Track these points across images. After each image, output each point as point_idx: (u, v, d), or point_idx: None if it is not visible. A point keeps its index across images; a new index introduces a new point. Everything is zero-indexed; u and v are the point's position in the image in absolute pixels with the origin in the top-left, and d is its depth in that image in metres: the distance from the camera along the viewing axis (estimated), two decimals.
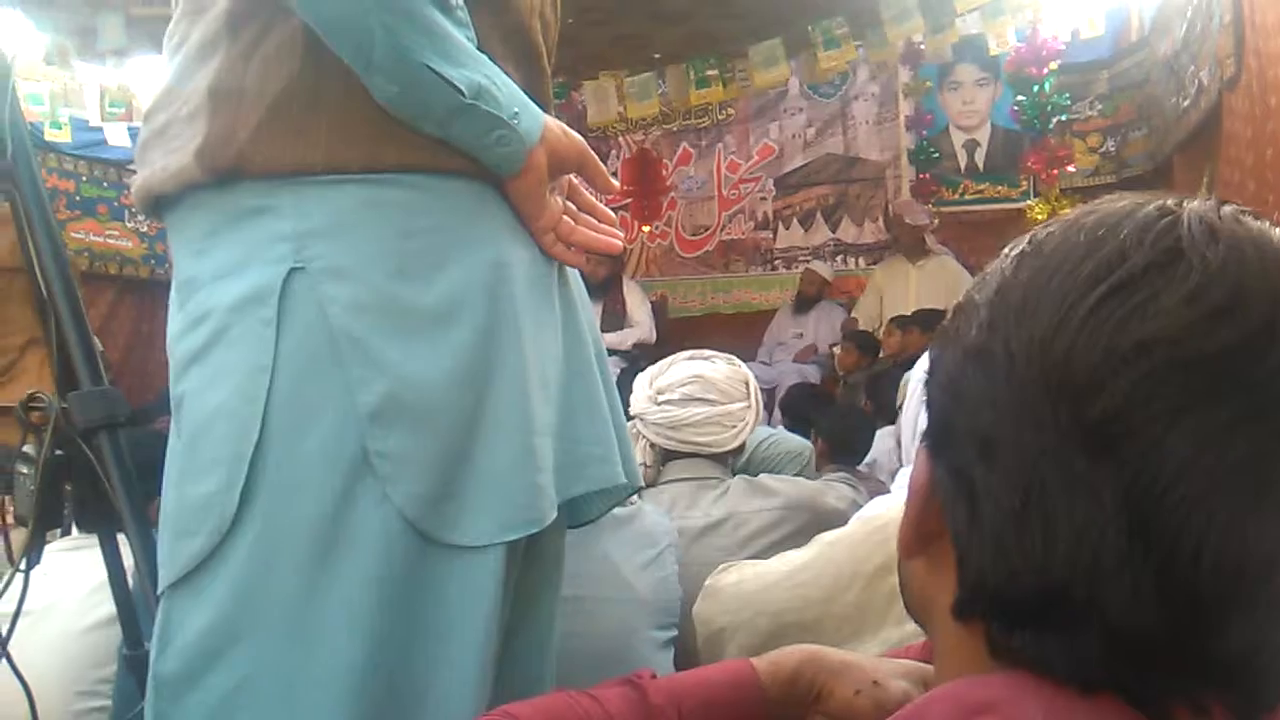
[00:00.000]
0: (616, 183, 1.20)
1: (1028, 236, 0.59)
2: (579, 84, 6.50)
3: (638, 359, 5.96)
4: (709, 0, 5.24)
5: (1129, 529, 0.50)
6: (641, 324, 6.18)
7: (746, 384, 2.13)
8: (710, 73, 5.94)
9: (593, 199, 1.20)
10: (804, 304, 6.77)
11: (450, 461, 1.01)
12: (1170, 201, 0.54)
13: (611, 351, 5.93)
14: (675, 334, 7.01)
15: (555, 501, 1.08)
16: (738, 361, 2.19)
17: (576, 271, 1.27)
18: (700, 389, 2.05)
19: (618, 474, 1.18)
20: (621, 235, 1.18)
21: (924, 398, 0.62)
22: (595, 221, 1.18)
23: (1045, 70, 5.18)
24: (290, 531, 0.97)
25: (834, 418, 3.62)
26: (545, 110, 1.12)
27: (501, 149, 1.02)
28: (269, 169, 0.98)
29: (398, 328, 0.99)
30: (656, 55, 6.16)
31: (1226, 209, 0.53)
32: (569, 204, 1.15)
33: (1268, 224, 0.53)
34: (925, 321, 5.30)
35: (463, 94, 0.97)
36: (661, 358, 6.50)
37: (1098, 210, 0.56)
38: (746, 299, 7.63)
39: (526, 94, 1.08)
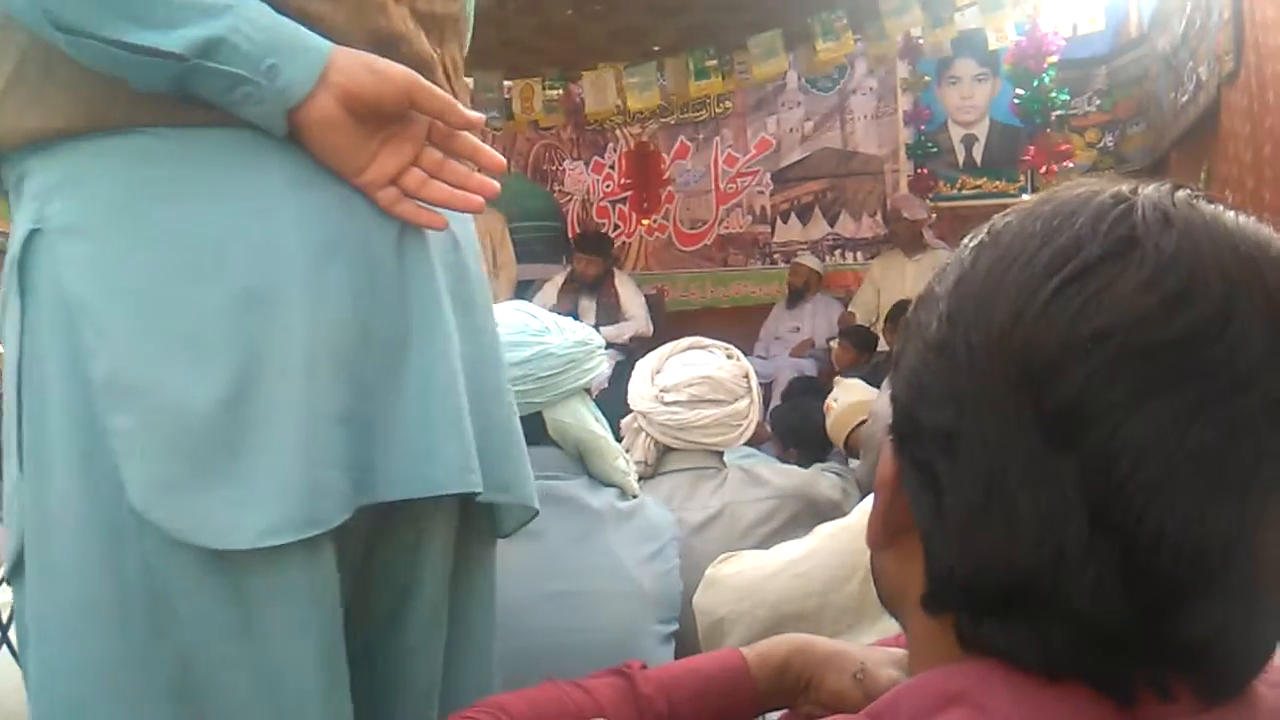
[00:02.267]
0: (495, 160, 0.99)
1: (986, 226, 0.59)
2: (578, 76, 6.49)
3: (634, 352, 5.95)
4: None
5: (1091, 518, 0.50)
6: (637, 317, 6.18)
7: (747, 378, 2.12)
8: (710, 63, 5.93)
9: (476, 143, 1.02)
10: (795, 296, 6.78)
11: (195, 445, 0.88)
12: (1125, 188, 0.54)
13: (609, 344, 5.95)
14: (673, 327, 6.98)
15: (350, 501, 0.94)
16: (736, 351, 2.18)
17: (470, 247, 1.14)
18: (709, 390, 2.04)
19: (470, 481, 1.00)
20: (497, 186, 1.02)
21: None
22: (465, 171, 1.01)
23: (1045, 65, 5.17)
24: (52, 528, 0.90)
25: (787, 414, 3.64)
26: (395, 46, 1.00)
27: (253, 107, 0.90)
28: (18, 139, 0.93)
29: (128, 289, 0.90)
30: (656, 47, 6.15)
31: (1180, 194, 0.53)
32: (431, 152, 0.99)
33: (1220, 208, 0.53)
34: None
35: (180, 56, 0.86)
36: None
37: (1054, 199, 0.56)
38: (745, 293, 7.63)
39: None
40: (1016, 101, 5.57)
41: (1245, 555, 0.50)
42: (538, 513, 1.18)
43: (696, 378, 2.06)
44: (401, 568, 1.07)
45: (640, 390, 2.10)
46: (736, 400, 2.06)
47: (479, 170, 1.03)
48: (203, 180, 0.93)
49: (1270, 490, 0.49)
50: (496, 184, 1.02)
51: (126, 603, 0.89)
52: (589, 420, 1.69)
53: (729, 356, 2.15)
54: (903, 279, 6.26)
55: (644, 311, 6.23)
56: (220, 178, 0.93)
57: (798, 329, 6.74)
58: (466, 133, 1.00)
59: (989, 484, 0.52)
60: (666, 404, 2.04)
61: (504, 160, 1.06)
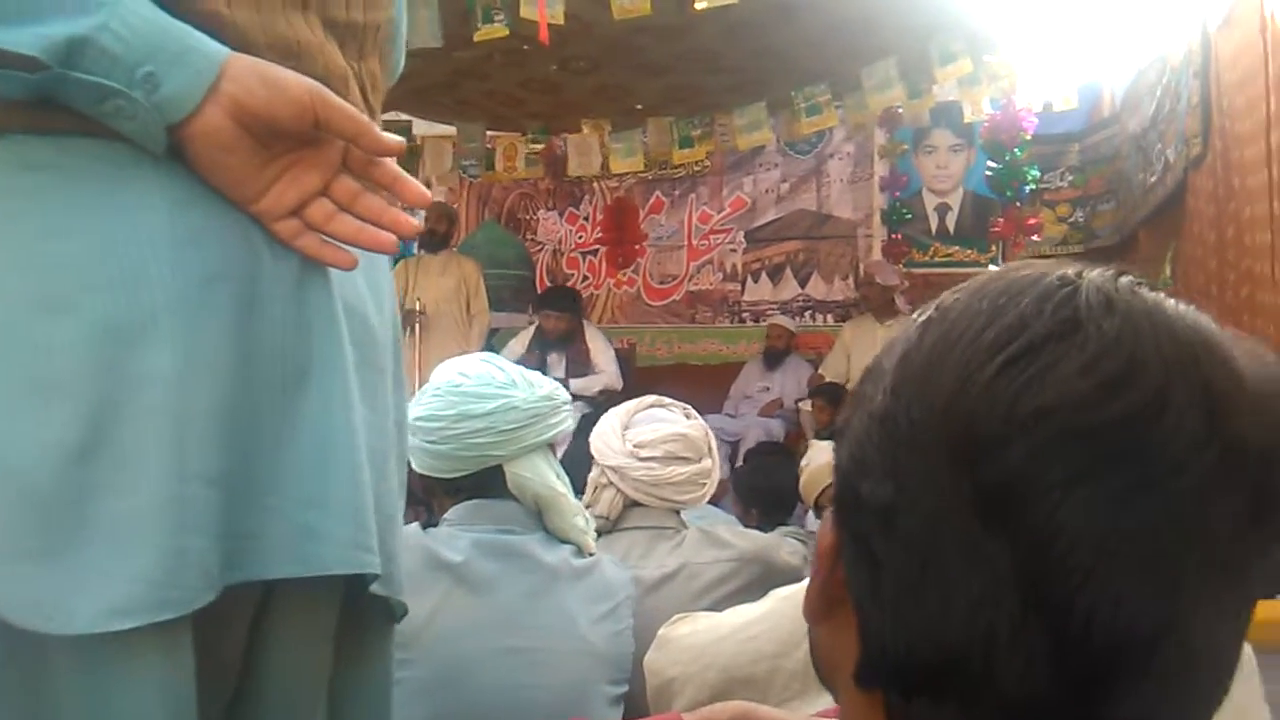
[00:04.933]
0: (423, 192, 0.87)
1: (935, 302, 0.59)
2: (560, 129, 6.54)
3: (601, 406, 5.94)
4: (693, 55, 5.30)
5: (1024, 600, 0.50)
6: (607, 371, 6.17)
7: (708, 436, 2.13)
8: (694, 133, 6.00)
9: (398, 173, 0.89)
10: (773, 358, 6.79)
11: (35, 509, 0.75)
12: (1071, 272, 0.54)
13: (576, 397, 5.94)
14: (643, 383, 7.00)
15: (217, 579, 0.80)
16: (692, 411, 2.20)
17: (384, 302, 1.01)
18: (682, 447, 2.05)
19: (365, 561, 0.87)
20: (416, 223, 0.87)
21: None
22: (381, 205, 0.88)
23: (1018, 140, 5.27)
24: None
25: (750, 474, 3.63)
26: (302, 57, 0.88)
27: (127, 123, 0.77)
28: None
29: None
30: (639, 106, 6.21)
31: (1123, 280, 0.53)
32: (346, 181, 0.87)
33: (1161, 295, 0.54)
34: None
35: (34, 61, 0.73)
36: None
37: (1002, 278, 0.56)
38: (713, 350, 7.66)
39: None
40: (989, 174, 5.65)
41: (1177, 640, 0.50)
42: (405, 612, 1.03)
43: (671, 435, 2.06)
44: (271, 651, 0.93)
45: (611, 445, 2.10)
46: (702, 459, 2.07)
47: (400, 205, 0.91)
48: (71, 196, 0.80)
49: (1203, 575, 0.50)
50: (416, 221, 0.87)
51: None
52: (549, 476, 1.68)
53: (687, 416, 2.16)
54: (874, 344, 6.29)
55: (614, 366, 6.22)
56: (91, 194, 0.80)
57: (767, 389, 6.75)
58: (388, 161, 0.89)
59: (924, 561, 0.52)
60: (642, 460, 2.04)
61: (428, 194, 0.94)
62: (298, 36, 0.89)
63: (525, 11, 4.03)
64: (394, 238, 0.88)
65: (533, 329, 6.33)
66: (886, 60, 5.05)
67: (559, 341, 6.15)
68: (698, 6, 3.93)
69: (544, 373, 5.85)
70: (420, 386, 1.79)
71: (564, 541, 1.71)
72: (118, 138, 0.79)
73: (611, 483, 2.07)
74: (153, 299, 0.79)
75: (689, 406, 2.22)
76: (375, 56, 1.01)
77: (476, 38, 4.22)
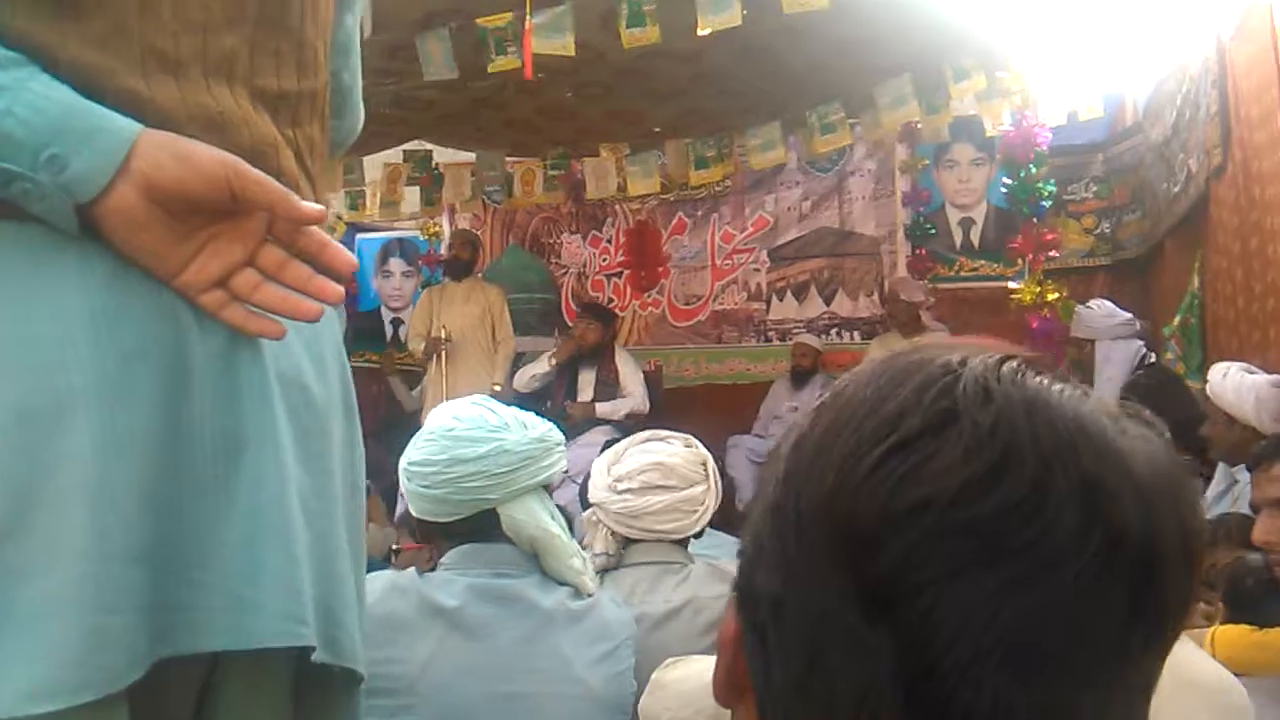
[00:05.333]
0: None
1: (836, 383, 0.59)
2: (581, 157, 6.57)
3: (630, 430, 5.93)
4: (706, 78, 5.31)
5: (905, 695, 0.49)
6: (634, 394, 6.16)
7: (705, 465, 2.12)
8: (709, 154, 6.02)
9: (324, 240, 0.88)
10: (800, 377, 6.75)
11: None
12: (956, 359, 0.53)
13: (603, 421, 5.95)
14: (670, 404, 7.00)
15: (145, 655, 0.81)
16: (695, 441, 2.19)
17: (326, 365, 1.01)
18: (660, 476, 2.05)
19: (297, 634, 0.87)
20: (340, 291, 0.89)
21: None
22: (307, 274, 0.88)
23: (1032, 155, 5.22)
24: None
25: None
26: (226, 130, 0.88)
27: (36, 204, 0.78)
28: None
29: None
30: (656, 129, 6.23)
31: (1007, 368, 0.53)
32: (271, 250, 0.87)
33: (1046, 381, 0.53)
34: None
35: None
36: (657, 428, 6.41)
37: (892, 363, 0.56)
38: (739, 369, 7.63)
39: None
40: (1006, 190, 5.62)
41: None
42: (362, 678, 1.02)
43: (648, 465, 2.06)
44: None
45: (596, 482, 2.11)
46: (691, 486, 2.06)
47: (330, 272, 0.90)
48: None
49: (1088, 668, 0.49)
50: (339, 289, 0.89)
51: None
52: (544, 518, 1.69)
53: (686, 445, 2.15)
54: None
55: (642, 389, 6.21)
56: (7, 277, 0.81)
57: (796, 408, 6.72)
58: (314, 228, 0.88)
59: (811, 654, 0.52)
60: (619, 492, 2.05)
61: (355, 260, 0.94)
62: (221, 108, 0.90)
63: (537, 46, 4.06)
64: (320, 307, 0.88)
65: (547, 356, 6.27)
66: (900, 78, 5.03)
67: (591, 355, 6.14)
68: (700, 32, 3.93)
69: (573, 396, 5.86)
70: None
71: (561, 583, 1.71)
72: (35, 219, 0.80)
73: (599, 520, 2.07)
74: (69, 381, 0.80)
75: (690, 437, 2.21)
76: (314, 122, 1.02)
77: (491, 69, 4.26)
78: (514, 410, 1.76)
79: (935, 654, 0.48)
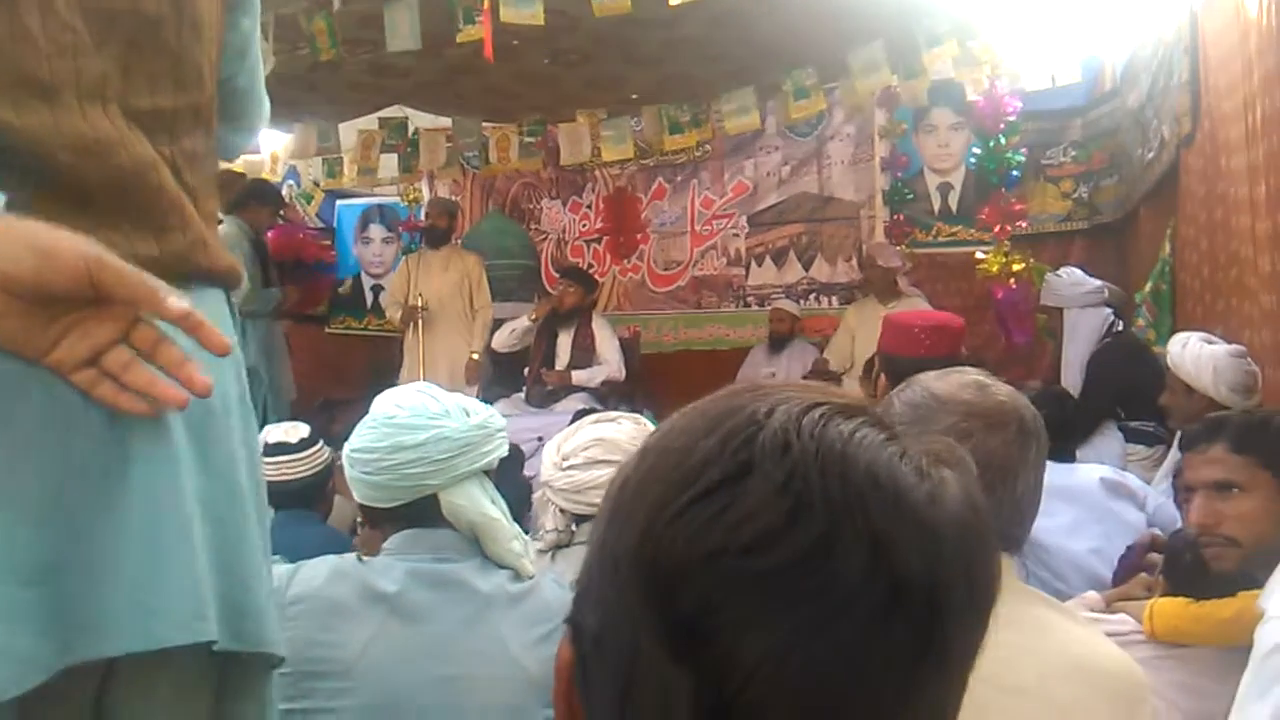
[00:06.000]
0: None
1: (662, 425, 0.61)
2: (559, 123, 6.56)
3: (606, 398, 5.97)
4: (682, 45, 5.30)
5: None
6: (610, 361, 6.18)
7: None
8: (683, 119, 6.00)
9: (198, 322, 0.87)
10: (778, 343, 6.79)
11: None
12: (764, 409, 0.56)
13: (580, 389, 5.97)
14: (647, 371, 7.03)
15: (40, 666, 0.83)
16: (644, 420, 2.22)
17: (227, 373, 1.03)
18: (603, 451, 2.08)
19: (200, 630, 0.91)
20: (209, 383, 0.89)
21: None
22: (179, 357, 0.88)
23: (1003, 125, 5.21)
24: None
25: None
26: (101, 154, 0.90)
27: None
28: None
29: None
30: (634, 95, 6.22)
31: (809, 418, 0.55)
32: (145, 328, 0.87)
33: (849, 429, 0.55)
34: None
35: None
36: (633, 394, 6.40)
37: (709, 409, 0.58)
38: (719, 335, 7.66)
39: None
40: (974, 160, 5.61)
41: None
42: (283, 659, 1.09)
43: (591, 439, 2.09)
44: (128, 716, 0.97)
45: (546, 461, 2.14)
46: None
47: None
48: None
49: (869, 708, 0.52)
50: (209, 379, 0.89)
51: None
52: (484, 503, 1.71)
53: (635, 423, 2.18)
54: (877, 326, 6.24)
55: (618, 356, 6.23)
56: None
57: (773, 374, 6.74)
58: (190, 312, 0.87)
59: (623, 690, 0.55)
60: (564, 469, 2.08)
61: (229, 343, 0.93)
62: (95, 134, 0.91)
63: (506, 15, 4.05)
64: (186, 395, 0.88)
65: (523, 320, 6.27)
66: (872, 44, 5.02)
67: (567, 320, 6.14)
68: (672, 2, 3.92)
69: (551, 363, 5.84)
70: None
71: (502, 566, 1.73)
72: None
73: (549, 499, 2.10)
74: None
75: (639, 416, 2.24)
76: (195, 134, 1.03)
77: (459, 39, 4.25)
78: (456, 396, 1.78)
79: (731, 693, 0.51)
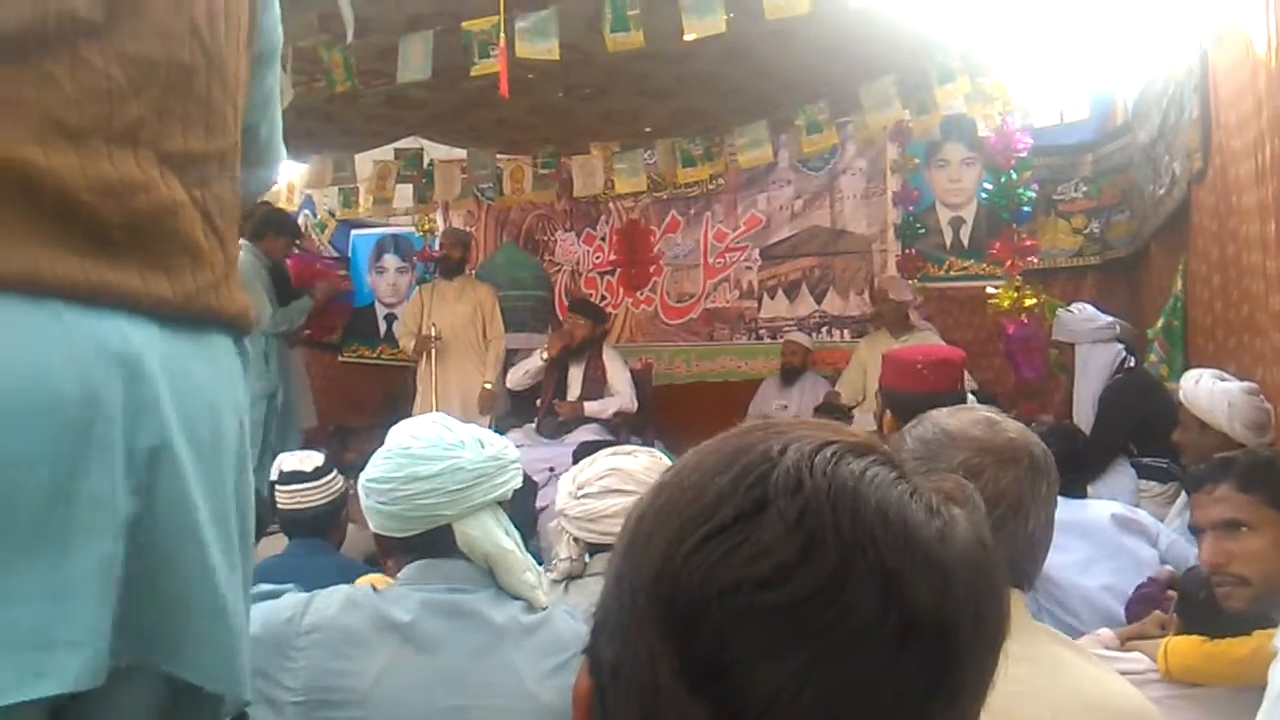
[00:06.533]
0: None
1: (678, 461, 0.63)
2: (571, 154, 6.60)
3: (618, 429, 5.98)
4: (695, 79, 5.33)
5: None
6: (622, 392, 6.18)
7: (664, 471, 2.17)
8: (696, 152, 6.04)
9: None
10: (790, 376, 6.79)
11: None
12: (778, 447, 0.57)
13: (592, 420, 5.98)
14: (659, 402, 7.04)
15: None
16: (659, 453, 2.23)
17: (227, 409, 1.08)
18: (618, 481, 2.09)
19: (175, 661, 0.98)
20: None
21: None
22: None
23: (1013, 161, 5.24)
24: None
25: None
26: (124, 196, 0.95)
27: None
28: None
29: None
30: (647, 129, 6.26)
31: (822, 456, 0.56)
32: None
33: (860, 467, 0.56)
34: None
35: None
36: (645, 426, 6.38)
37: (724, 446, 0.60)
38: (730, 367, 7.67)
39: None
40: (985, 195, 5.63)
41: None
42: (247, 701, 1.12)
43: (606, 470, 2.11)
44: None
45: (561, 491, 2.16)
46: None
47: None
48: None
49: None
50: None
51: None
52: (498, 534, 1.72)
53: (650, 455, 2.19)
54: None
55: (629, 388, 6.24)
56: None
57: (785, 406, 6.75)
58: None
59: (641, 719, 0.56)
60: (578, 498, 2.09)
61: None
62: (121, 176, 0.95)
63: (521, 50, 4.09)
64: None
65: (536, 358, 6.27)
66: (884, 79, 5.05)
67: (579, 353, 6.15)
68: (686, 38, 3.95)
69: (563, 394, 5.85)
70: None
71: (516, 598, 1.74)
72: None
73: (564, 528, 2.11)
74: None
75: (654, 450, 2.25)
76: (223, 179, 1.07)
77: (474, 72, 4.27)
78: (471, 427, 1.79)
79: None
